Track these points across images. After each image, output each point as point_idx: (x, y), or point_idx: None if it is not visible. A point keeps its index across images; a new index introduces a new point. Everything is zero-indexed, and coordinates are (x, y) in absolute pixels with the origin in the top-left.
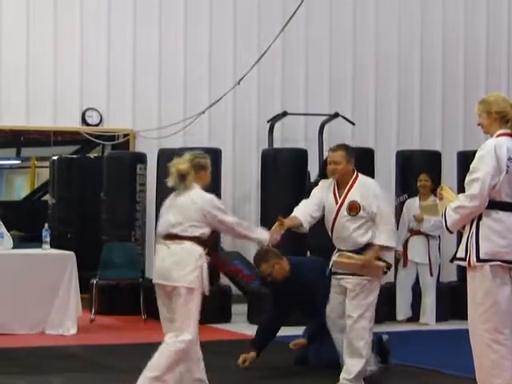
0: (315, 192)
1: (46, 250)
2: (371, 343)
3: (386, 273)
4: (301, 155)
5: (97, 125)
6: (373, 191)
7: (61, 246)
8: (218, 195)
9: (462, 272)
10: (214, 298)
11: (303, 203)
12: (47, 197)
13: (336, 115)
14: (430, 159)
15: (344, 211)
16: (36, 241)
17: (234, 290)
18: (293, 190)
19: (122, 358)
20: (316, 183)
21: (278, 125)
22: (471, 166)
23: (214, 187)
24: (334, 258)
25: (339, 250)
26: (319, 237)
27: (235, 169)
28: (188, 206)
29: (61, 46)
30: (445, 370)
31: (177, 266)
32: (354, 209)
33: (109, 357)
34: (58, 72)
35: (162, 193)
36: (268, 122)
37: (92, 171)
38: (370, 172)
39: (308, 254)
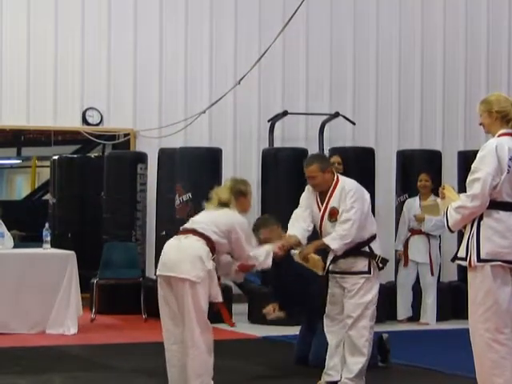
0: (303, 201)
1: (47, 249)
2: (372, 341)
3: (381, 268)
4: (301, 155)
5: (97, 124)
6: (346, 194)
7: (61, 245)
8: None
9: (462, 272)
10: None
11: (296, 217)
12: (48, 196)
13: (336, 115)
14: (431, 159)
15: (326, 218)
16: (36, 240)
17: (235, 289)
18: (293, 189)
19: (123, 358)
20: None
21: (278, 124)
22: (472, 165)
23: (213, 187)
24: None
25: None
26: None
27: (236, 168)
28: (220, 216)
29: (61, 46)
30: (445, 369)
31: (184, 259)
32: (333, 215)
33: (109, 356)
34: (58, 72)
35: (163, 193)
36: (268, 121)
37: (93, 171)
38: (370, 171)
39: None
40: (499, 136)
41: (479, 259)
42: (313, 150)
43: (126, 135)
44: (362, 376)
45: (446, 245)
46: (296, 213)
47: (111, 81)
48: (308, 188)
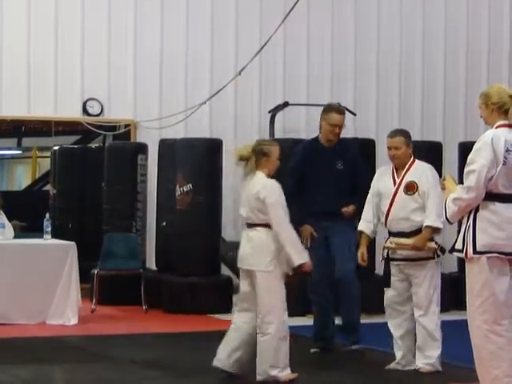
0: (372, 189)
1: (47, 240)
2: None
3: (438, 256)
4: None
5: (98, 115)
6: (426, 175)
7: (62, 236)
8: (219, 186)
9: (462, 263)
10: (215, 289)
11: (364, 213)
12: (48, 187)
13: None
14: (432, 150)
15: (402, 192)
16: (37, 231)
17: (235, 280)
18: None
19: (123, 349)
20: None
21: (279, 115)
22: (469, 157)
23: (214, 177)
24: (387, 244)
25: (392, 234)
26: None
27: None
28: (251, 195)
29: (62, 37)
30: (446, 360)
31: (253, 251)
32: (411, 188)
33: (109, 347)
34: (59, 62)
35: (163, 183)
36: (269, 112)
37: (93, 161)
38: (371, 163)
39: None
40: (497, 127)
41: (475, 251)
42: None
43: (126, 126)
44: (439, 361)
45: (446, 236)
46: (365, 208)
47: (112, 71)
48: (379, 171)
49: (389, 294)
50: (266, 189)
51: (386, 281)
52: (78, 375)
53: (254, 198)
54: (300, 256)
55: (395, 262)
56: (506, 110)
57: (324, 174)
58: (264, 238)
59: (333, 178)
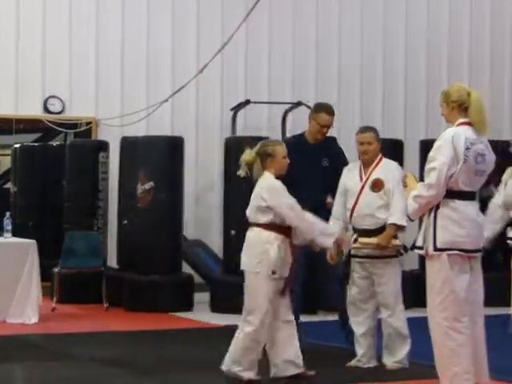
0: (340, 186)
1: (8, 238)
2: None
3: (402, 254)
4: None
5: (59, 113)
6: (392, 172)
7: (22, 234)
8: (181, 184)
9: (423, 260)
10: (176, 287)
11: (334, 210)
12: (9, 185)
13: (299, 104)
14: (393, 147)
15: (368, 188)
16: None
17: (197, 278)
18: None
19: (83, 347)
20: None
21: (241, 113)
22: (429, 155)
23: (175, 175)
24: (353, 245)
25: (356, 231)
26: None
27: (198, 157)
28: (255, 194)
29: (23, 34)
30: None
31: (245, 251)
32: (377, 185)
33: (70, 345)
34: (20, 60)
35: (125, 181)
36: (231, 110)
37: (54, 159)
38: None
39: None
40: (457, 125)
41: (436, 248)
42: (275, 138)
43: (87, 123)
44: (407, 358)
45: (406, 233)
46: (335, 205)
47: (73, 69)
48: (347, 167)
49: (352, 291)
50: (268, 191)
51: (346, 277)
52: (38, 373)
53: (256, 198)
54: (326, 237)
55: (358, 259)
56: (466, 108)
57: (310, 171)
58: (257, 238)
59: (319, 175)
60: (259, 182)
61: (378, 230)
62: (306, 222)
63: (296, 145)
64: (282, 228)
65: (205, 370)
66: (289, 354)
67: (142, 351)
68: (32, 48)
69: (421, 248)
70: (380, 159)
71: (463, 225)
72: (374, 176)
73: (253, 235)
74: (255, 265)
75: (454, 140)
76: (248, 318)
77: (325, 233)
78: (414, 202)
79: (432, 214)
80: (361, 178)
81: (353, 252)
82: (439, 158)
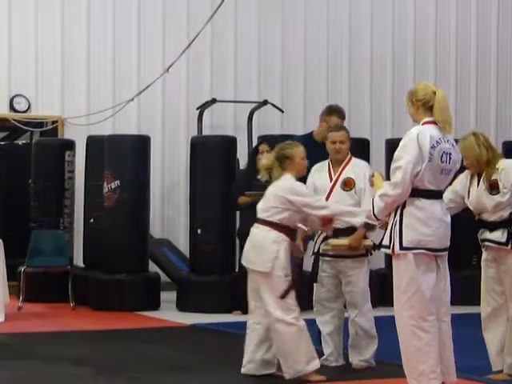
0: (308, 185)
1: None
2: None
3: (371, 253)
4: (230, 143)
5: (25, 111)
6: (363, 171)
7: None
8: (147, 182)
9: (390, 259)
10: (143, 286)
11: None
12: None
13: (265, 103)
14: (359, 146)
15: (338, 187)
16: None
17: (163, 277)
18: (222, 177)
19: (49, 346)
20: (244, 171)
21: (207, 112)
22: (395, 154)
23: (142, 174)
24: (322, 245)
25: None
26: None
27: (164, 156)
28: (271, 194)
29: None
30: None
31: (253, 250)
32: (348, 184)
33: (36, 344)
34: None
35: (91, 180)
36: (197, 109)
37: (20, 158)
38: None
39: (237, 241)
40: (423, 124)
41: (402, 247)
42: (241, 137)
43: (53, 122)
44: (374, 357)
45: (373, 232)
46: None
47: (39, 68)
48: (315, 167)
49: (318, 290)
50: (287, 191)
51: (314, 276)
52: (3, 372)
53: (272, 197)
54: (357, 217)
55: (326, 258)
56: (431, 107)
57: None
58: (265, 238)
59: None
60: (276, 182)
61: (349, 230)
62: (325, 211)
63: (305, 144)
64: (289, 230)
65: (172, 369)
66: (270, 353)
67: (108, 350)
68: None
69: (387, 247)
70: (350, 158)
71: (429, 224)
72: (344, 175)
73: (260, 234)
74: (266, 265)
75: (419, 139)
76: (287, 318)
77: (353, 213)
78: (380, 200)
79: (398, 213)
80: (330, 178)
81: (321, 251)
82: (404, 156)
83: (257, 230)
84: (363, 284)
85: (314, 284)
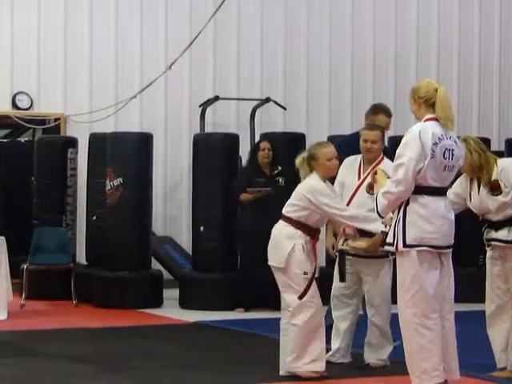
0: (338, 178)
1: None
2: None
3: (392, 254)
4: (232, 140)
5: (27, 109)
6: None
7: None
8: (150, 180)
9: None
10: (145, 283)
11: None
12: None
13: (268, 100)
14: None
15: (363, 189)
16: None
17: (166, 274)
18: (224, 174)
19: (52, 343)
20: (246, 168)
21: (209, 109)
22: (397, 151)
23: (144, 172)
24: (343, 246)
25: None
26: (250, 220)
27: (167, 154)
28: (296, 191)
29: None
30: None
31: (271, 245)
32: (371, 188)
33: (38, 342)
34: None
35: (93, 177)
36: (200, 106)
37: (22, 155)
38: None
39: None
40: (425, 121)
41: (405, 244)
42: (244, 135)
43: (56, 120)
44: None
45: None
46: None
47: (41, 65)
48: (346, 162)
49: (337, 284)
50: (308, 191)
51: (342, 276)
52: (6, 370)
53: (295, 195)
54: (372, 224)
55: (347, 256)
56: (433, 104)
57: None
58: (282, 232)
59: None
60: (302, 181)
61: (369, 233)
62: (345, 218)
63: (348, 144)
64: (308, 228)
65: (174, 367)
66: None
67: (110, 348)
68: (0, 44)
69: (391, 244)
70: (381, 159)
71: (432, 221)
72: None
73: (278, 229)
74: (280, 260)
75: (421, 135)
76: (300, 321)
77: (368, 220)
78: (383, 198)
79: (402, 210)
80: (359, 176)
81: (343, 247)
82: (407, 153)
83: (276, 225)
84: (381, 284)
85: (334, 279)
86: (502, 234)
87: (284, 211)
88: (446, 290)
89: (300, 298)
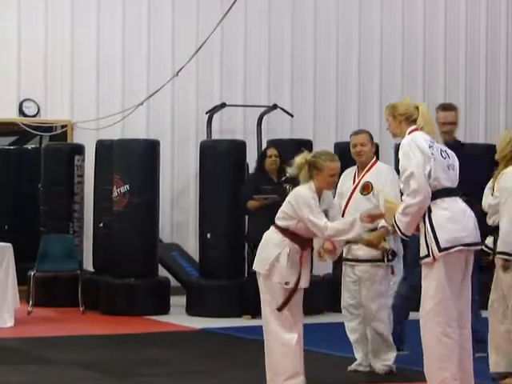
0: (337, 190)
1: None
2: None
3: (389, 259)
4: (239, 147)
5: (34, 116)
6: (383, 175)
7: None
8: (157, 187)
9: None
10: (152, 290)
11: None
12: None
13: (274, 107)
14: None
15: (358, 192)
16: None
17: (173, 281)
18: (231, 181)
19: (60, 350)
20: (253, 175)
21: (216, 116)
22: (400, 166)
23: (151, 179)
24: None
25: None
26: (257, 228)
27: (174, 160)
28: (286, 200)
29: None
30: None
31: (258, 252)
32: (366, 188)
33: (46, 349)
34: None
35: (100, 184)
36: (206, 113)
37: (29, 163)
38: None
39: (246, 246)
40: (409, 133)
41: (440, 248)
42: (251, 142)
43: (63, 127)
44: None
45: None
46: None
47: (48, 72)
48: (345, 173)
49: (344, 295)
50: (296, 200)
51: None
52: (14, 377)
53: (285, 203)
54: (354, 231)
55: (348, 263)
56: (414, 120)
57: None
58: (270, 239)
59: None
60: (294, 189)
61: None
62: (326, 235)
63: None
64: (297, 236)
65: (181, 373)
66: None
67: (117, 355)
68: (7, 51)
69: (426, 256)
70: (374, 162)
71: (457, 220)
72: (365, 179)
73: (268, 235)
74: (263, 267)
75: (416, 143)
76: (279, 333)
77: (347, 229)
78: (403, 216)
79: (427, 220)
80: (354, 182)
81: (344, 256)
82: (411, 162)
83: (267, 231)
84: (377, 289)
85: (342, 289)
86: (488, 241)
87: (276, 218)
88: (465, 300)
89: (279, 309)
